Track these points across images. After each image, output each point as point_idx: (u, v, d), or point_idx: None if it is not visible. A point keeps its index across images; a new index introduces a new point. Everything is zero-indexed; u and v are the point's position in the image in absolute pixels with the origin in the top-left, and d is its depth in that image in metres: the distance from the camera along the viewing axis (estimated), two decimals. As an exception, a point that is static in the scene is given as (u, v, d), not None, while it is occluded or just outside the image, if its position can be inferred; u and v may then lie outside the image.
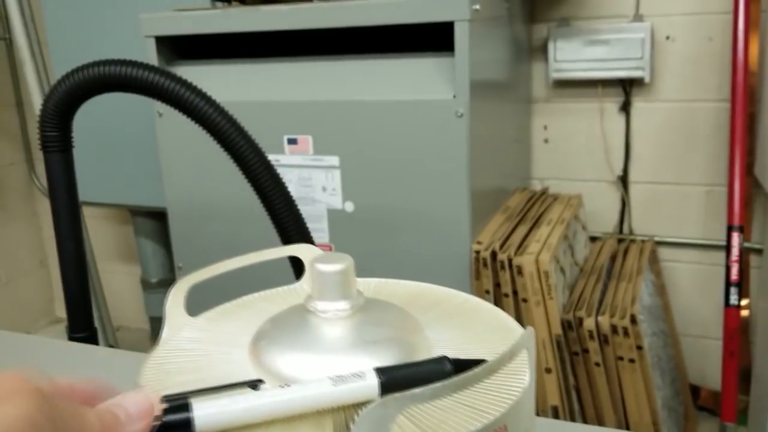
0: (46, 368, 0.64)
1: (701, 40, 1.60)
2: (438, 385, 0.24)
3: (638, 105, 1.69)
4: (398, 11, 1.25)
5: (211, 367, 0.30)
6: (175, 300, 0.34)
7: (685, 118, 1.65)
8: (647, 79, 1.63)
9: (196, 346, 0.33)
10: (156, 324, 2.24)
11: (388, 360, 0.28)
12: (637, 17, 1.63)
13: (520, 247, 1.30)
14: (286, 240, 0.88)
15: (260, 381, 0.28)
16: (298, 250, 0.37)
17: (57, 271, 2.32)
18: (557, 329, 1.24)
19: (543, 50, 1.72)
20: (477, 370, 0.24)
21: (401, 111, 1.28)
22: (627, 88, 1.68)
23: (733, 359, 1.37)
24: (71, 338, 0.79)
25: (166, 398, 0.26)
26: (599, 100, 1.72)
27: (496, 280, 1.28)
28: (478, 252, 1.28)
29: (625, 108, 1.70)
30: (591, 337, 1.24)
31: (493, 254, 1.27)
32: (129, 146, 1.78)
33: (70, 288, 0.77)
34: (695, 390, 1.70)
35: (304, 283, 0.36)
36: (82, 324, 0.77)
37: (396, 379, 0.26)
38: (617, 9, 1.65)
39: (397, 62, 1.31)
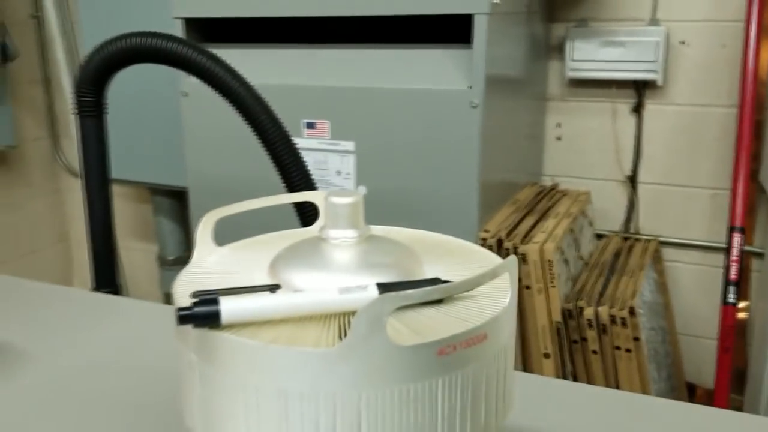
0: (75, 316, 0.69)
1: (714, 47, 1.63)
2: (428, 288, 0.28)
3: (650, 107, 1.72)
4: (420, 2, 1.30)
5: (234, 282, 0.34)
6: (204, 229, 0.39)
7: (695, 122, 1.68)
8: (660, 82, 1.66)
9: (221, 267, 0.37)
10: (170, 300, 2.30)
11: (388, 280, 0.33)
12: (653, 21, 1.66)
13: (526, 236, 1.34)
14: (303, 216, 0.93)
15: (278, 286, 0.32)
16: (314, 195, 0.41)
17: (77, 247, 2.39)
18: (557, 317, 1.28)
19: (560, 49, 1.76)
20: (462, 281, 0.29)
21: (417, 99, 1.32)
22: (640, 90, 1.72)
23: (727, 355, 1.41)
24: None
25: (198, 293, 0.30)
26: (612, 101, 1.76)
27: (501, 267, 1.32)
28: (484, 240, 1.32)
29: (637, 109, 1.73)
30: (590, 326, 1.28)
31: (499, 242, 1.31)
32: (152, 126, 1.84)
33: (97, 244, 0.82)
34: (691, 388, 1.73)
35: (316, 226, 0.41)
36: (107, 280, 0.82)
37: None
38: (634, 12, 1.68)
39: (415, 52, 1.35)
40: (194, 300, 0.30)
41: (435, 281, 0.33)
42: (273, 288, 0.32)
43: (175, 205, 2.07)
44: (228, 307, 0.30)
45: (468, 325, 0.30)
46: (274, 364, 0.28)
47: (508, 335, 0.32)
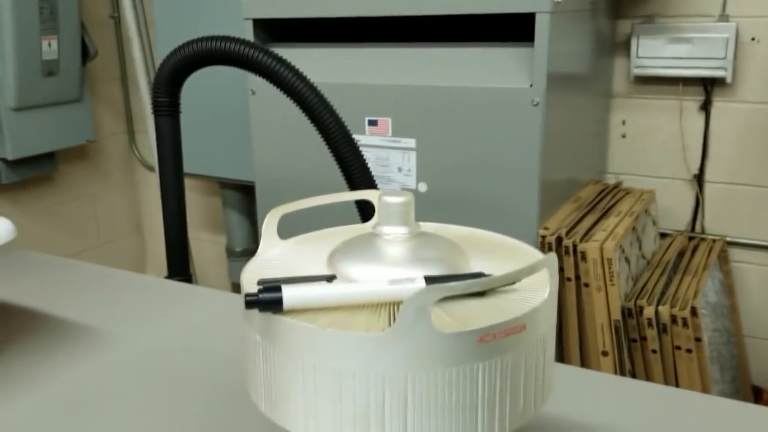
0: (151, 302, 0.74)
1: (787, 43, 1.59)
2: (469, 281, 0.31)
3: (718, 105, 1.69)
4: (483, 1, 1.31)
5: (295, 273, 0.38)
6: (269, 224, 0.42)
7: (765, 120, 1.65)
8: (729, 80, 1.63)
9: (284, 259, 0.41)
10: (237, 290, 2.38)
11: (435, 273, 0.35)
12: (723, 17, 1.63)
13: (587, 234, 1.34)
14: (363, 210, 0.96)
15: (334, 276, 0.35)
16: (370, 194, 0.44)
17: (151, 238, 2.49)
18: (617, 315, 1.28)
19: (626, 46, 1.74)
20: (501, 275, 0.31)
21: (478, 97, 1.34)
22: (708, 87, 1.69)
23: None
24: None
25: (263, 281, 0.34)
26: (679, 98, 1.73)
27: (560, 265, 1.33)
28: (543, 237, 1.33)
29: (705, 107, 1.70)
30: (650, 325, 1.28)
31: (559, 240, 1.32)
32: (222, 123, 1.91)
33: (171, 236, 0.87)
34: (757, 391, 1.70)
35: (371, 222, 0.44)
36: (180, 269, 0.88)
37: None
38: (703, 8, 1.66)
39: (477, 50, 1.37)
40: (259, 287, 0.33)
41: (478, 275, 0.35)
42: (330, 278, 0.35)
43: (243, 198, 2.14)
44: (289, 294, 0.33)
45: (507, 316, 0.32)
46: (329, 346, 0.31)
47: (547, 327, 0.34)
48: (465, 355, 0.31)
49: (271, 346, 0.34)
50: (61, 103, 2.04)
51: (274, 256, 0.41)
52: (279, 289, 0.33)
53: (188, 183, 2.37)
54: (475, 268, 0.38)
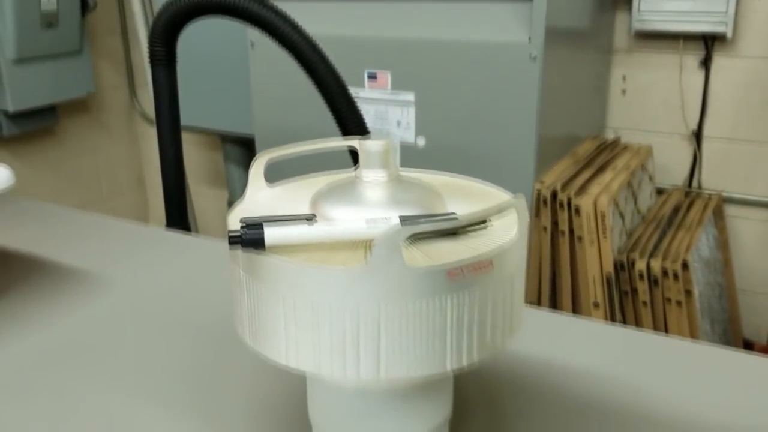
0: (149, 250, 0.76)
1: (788, -3, 1.59)
2: (439, 219, 0.33)
3: (719, 61, 1.69)
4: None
5: (280, 213, 0.39)
6: (256, 169, 0.44)
7: (765, 77, 1.65)
8: (729, 35, 1.63)
9: (271, 202, 0.43)
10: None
11: (411, 214, 0.37)
12: (725, -29, 1.62)
13: (582, 189, 1.35)
14: (356, 161, 0.97)
15: (314, 216, 0.37)
16: (355, 142, 0.46)
17: (153, 192, 2.51)
18: (609, 268, 1.30)
19: (627, 0, 1.74)
20: (471, 213, 0.33)
21: (477, 52, 1.34)
22: (709, 43, 1.68)
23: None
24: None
25: (245, 220, 0.36)
26: (680, 54, 1.73)
27: (555, 218, 1.35)
28: (539, 191, 1.34)
29: (706, 63, 1.70)
30: (641, 277, 1.30)
31: (554, 194, 1.33)
32: (222, 76, 1.91)
33: (169, 186, 0.89)
34: (748, 344, 1.73)
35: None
36: (178, 218, 0.90)
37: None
38: (705, -38, 1.64)
39: (475, 5, 1.37)
40: (242, 226, 0.35)
41: (451, 214, 0.37)
42: (310, 218, 0.37)
43: (244, 152, 2.15)
44: (270, 233, 0.35)
45: (475, 253, 0.34)
46: (308, 281, 0.33)
47: (516, 266, 0.36)
48: (434, 289, 0.33)
49: (255, 282, 0.36)
50: (61, 55, 2.04)
51: (260, 200, 0.43)
52: (261, 228, 0.35)
53: (189, 137, 2.39)
54: (450, 210, 0.40)
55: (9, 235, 0.82)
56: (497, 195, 0.44)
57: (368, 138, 0.40)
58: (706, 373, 0.54)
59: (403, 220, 0.36)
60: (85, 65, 2.15)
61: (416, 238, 0.36)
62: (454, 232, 0.37)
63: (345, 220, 0.37)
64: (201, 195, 2.48)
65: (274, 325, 0.35)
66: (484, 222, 0.38)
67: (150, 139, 2.55)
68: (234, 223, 0.38)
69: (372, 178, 0.39)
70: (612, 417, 0.48)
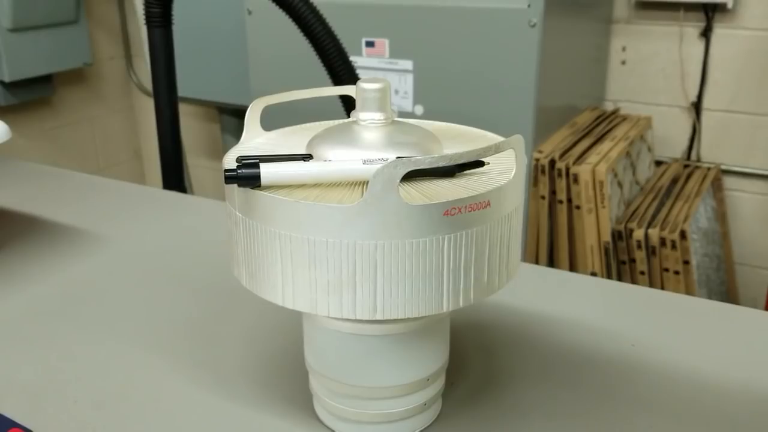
0: (146, 209, 0.76)
1: (791, -34, 1.57)
2: (435, 156, 0.32)
3: (719, 31, 1.68)
4: None
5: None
6: (252, 114, 0.44)
7: (766, 47, 1.63)
8: (730, 5, 1.61)
9: (267, 146, 0.42)
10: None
11: (408, 155, 0.37)
12: (727, -61, 1.61)
13: (580, 158, 1.35)
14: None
15: (310, 156, 0.37)
16: (351, 89, 0.46)
17: (149, 164, 2.50)
18: (606, 237, 1.30)
19: (627, -30, 1.72)
20: (468, 151, 0.33)
21: (475, 18, 1.33)
22: (709, 13, 1.67)
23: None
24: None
25: (242, 158, 0.35)
26: (680, 24, 1.72)
27: (553, 187, 1.34)
28: (537, 160, 1.34)
29: (706, 34, 1.69)
30: (639, 247, 1.30)
31: (552, 163, 1.33)
32: (219, 45, 1.90)
33: (166, 149, 0.88)
34: (744, 316, 1.74)
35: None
36: (174, 181, 0.89)
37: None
38: (708, -70, 1.63)
39: (475, -31, 1.35)
40: (238, 164, 0.35)
41: (448, 154, 0.37)
42: (306, 157, 0.37)
43: (241, 124, 2.14)
44: (267, 170, 0.35)
45: (473, 193, 0.34)
46: (304, 218, 0.33)
47: (513, 206, 0.36)
48: (431, 227, 0.33)
49: (251, 221, 0.35)
50: (58, 25, 2.02)
51: (256, 144, 0.43)
52: (257, 165, 0.35)
53: (186, 109, 2.37)
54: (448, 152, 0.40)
55: (5, 194, 0.81)
56: (495, 139, 0.44)
57: (365, 80, 0.39)
58: (702, 327, 0.54)
59: (401, 159, 0.36)
60: (82, 35, 2.13)
61: (413, 178, 0.36)
62: (452, 173, 0.37)
63: (341, 160, 0.36)
64: (198, 167, 2.48)
65: (270, 264, 0.35)
66: (481, 163, 0.37)
67: (147, 110, 2.53)
68: (230, 163, 0.38)
69: (369, 120, 0.39)
70: (608, 369, 0.48)
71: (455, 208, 0.33)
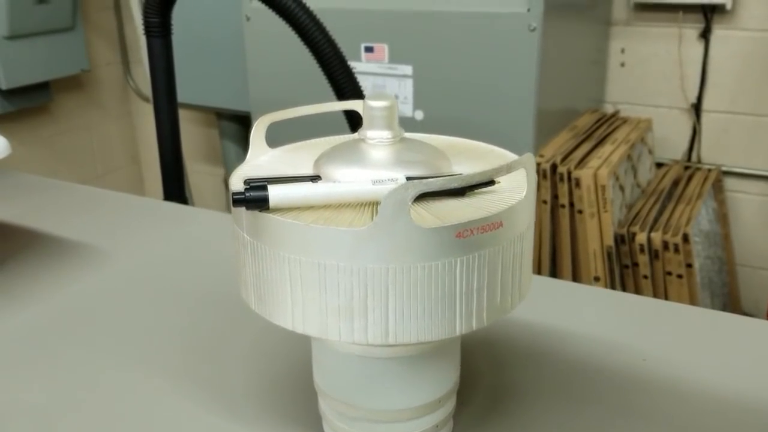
0: (148, 221, 0.75)
1: (790, -33, 1.57)
2: (446, 177, 0.32)
3: (718, 33, 1.68)
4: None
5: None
6: (257, 132, 0.43)
7: (765, 49, 1.63)
8: (729, 6, 1.61)
9: (272, 165, 0.42)
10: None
11: (418, 175, 0.36)
12: (726, -60, 1.60)
13: (581, 162, 1.35)
14: (354, 129, 0.96)
15: (318, 177, 0.36)
16: (357, 104, 0.45)
17: (148, 170, 2.49)
18: (609, 241, 1.29)
19: (626, -29, 1.72)
20: (479, 172, 0.32)
21: (475, 22, 1.33)
22: (708, 14, 1.67)
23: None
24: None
25: (250, 180, 0.35)
26: (679, 26, 1.71)
27: (555, 191, 1.34)
28: (539, 164, 1.33)
29: (705, 35, 1.69)
30: (642, 251, 1.30)
31: (554, 167, 1.32)
32: (217, 51, 1.89)
33: (167, 159, 0.88)
34: (747, 318, 1.73)
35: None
36: (176, 192, 0.88)
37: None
38: (706, -69, 1.62)
39: (474, -26, 1.34)
40: (246, 186, 0.34)
41: (457, 174, 0.36)
42: (314, 179, 0.36)
43: (241, 129, 2.14)
44: (275, 193, 0.34)
45: (485, 213, 0.33)
46: (314, 241, 0.33)
47: (525, 226, 0.36)
48: (443, 250, 0.32)
49: (259, 244, 0.35)
50: (54, 32, 2.01)
51: (262, 163, 0.42)
52: (265, 188, 0.34)
53: (184, 114, 2.36)
54: (456, 171, 0.39)
55: (4, 208, 0.81)
56: (504, 155, 0.43)
57: (373, 96, 0.39)
58: (715, 340, 0.53)
59: (410, 179, 0.35)
60: (79, 41, 2.12)
61: (424, 198, 0.35)
62: (462, 192, 0.36)
63: (350, 181, 0.36)
64: (197, 173, 2.47)
65: (279, 288, 0.34)
66: (492, 181, 0.37)
67: (145, 116, 2.52)
68: (237, 184, 0.38)
69: (377, 138, 0.38)
70: (621, 384, 0.48)
71: (468, 230, 0.33)
